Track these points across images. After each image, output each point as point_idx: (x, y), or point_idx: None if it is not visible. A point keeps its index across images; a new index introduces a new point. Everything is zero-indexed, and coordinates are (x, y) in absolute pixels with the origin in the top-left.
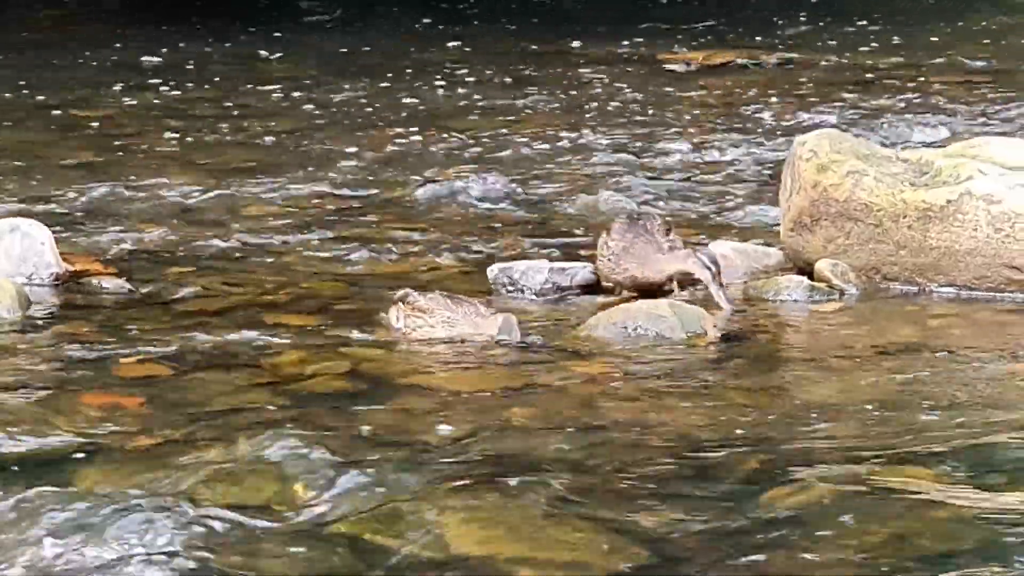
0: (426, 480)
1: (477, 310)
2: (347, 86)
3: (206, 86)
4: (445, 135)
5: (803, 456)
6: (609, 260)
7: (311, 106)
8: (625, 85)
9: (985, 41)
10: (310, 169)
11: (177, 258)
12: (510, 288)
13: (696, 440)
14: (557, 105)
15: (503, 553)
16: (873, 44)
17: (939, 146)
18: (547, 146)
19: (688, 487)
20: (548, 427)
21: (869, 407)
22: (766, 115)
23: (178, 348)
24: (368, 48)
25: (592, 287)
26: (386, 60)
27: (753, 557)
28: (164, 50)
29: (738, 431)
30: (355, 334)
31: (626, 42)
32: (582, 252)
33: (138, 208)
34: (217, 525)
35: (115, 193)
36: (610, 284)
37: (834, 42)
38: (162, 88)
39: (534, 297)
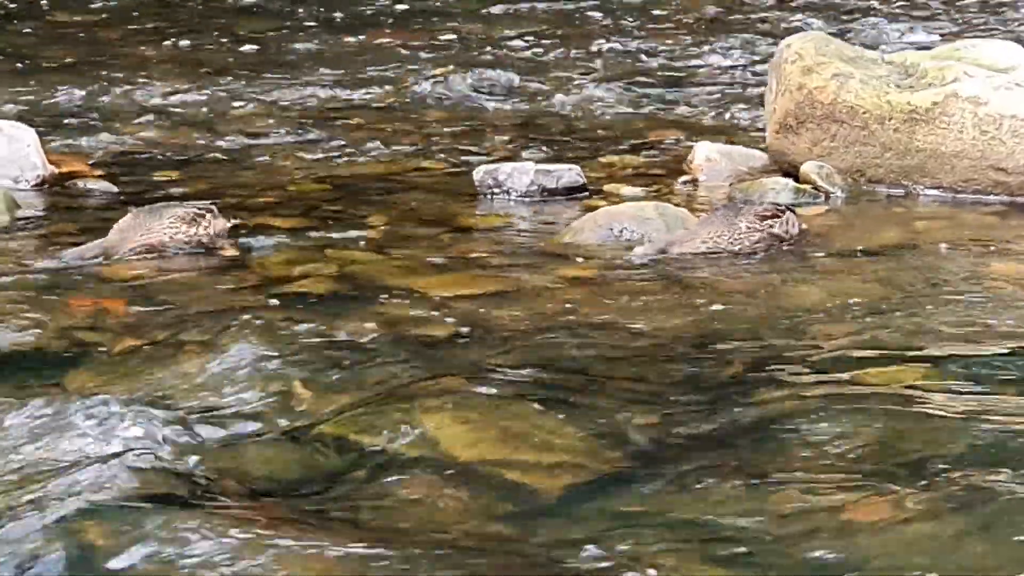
0: (413, 382)
1: None
2: None
3: None
4: (432, 36)
5: (790, 358)
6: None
7: (296, 7)
8: None
9: None
10: (296, 70)
11: (163, 160)
12: (496, 190)
13: (683, 342)
14: (544, 8)
15: (490, 454)
16: None
17: (925, 48)
18: (536, 48)
19: (674, 389)
20: (534, 330)
21: (856, 308)
22: (752, 18)
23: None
24: None
25: (578, 189)
26: None
27: (739, 459)
28: None
29: (725, 333)
30: (342, 236)
31: None
32: (569, 154)
33: (124, 111)
34: (202, 427)
35: (101, 96)
36: None
37: None
38: None
39: (520, 199)
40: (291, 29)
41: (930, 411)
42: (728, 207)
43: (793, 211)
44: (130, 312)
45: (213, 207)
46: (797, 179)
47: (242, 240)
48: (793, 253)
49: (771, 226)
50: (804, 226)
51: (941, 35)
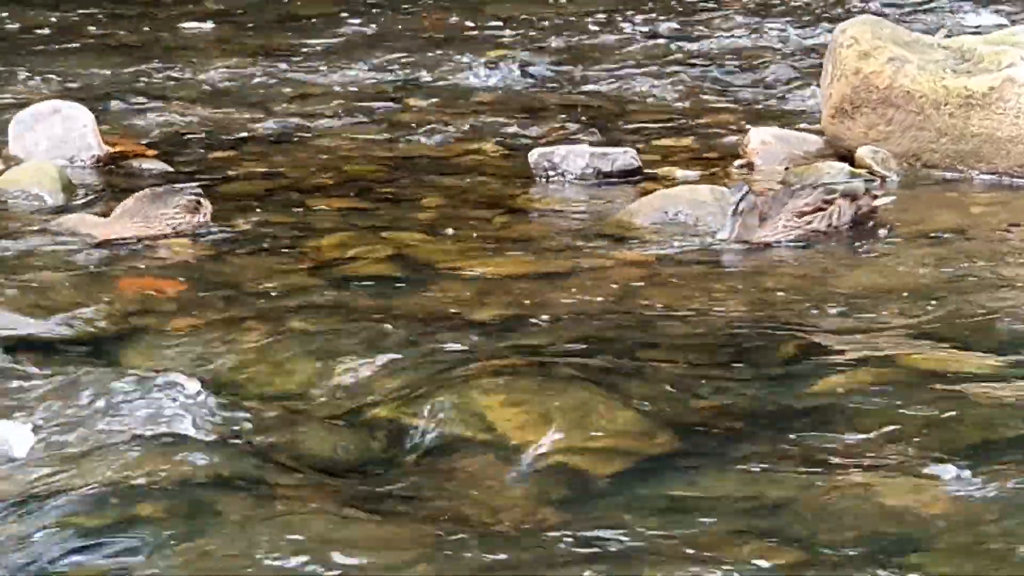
0: (466, 363)
1: None
2: None
3: None
4: (486, 19)
5: (843, 341)
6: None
7: None
8: None
9: None
10: (352, 52)
11: (219, 140)
12: (551, 173)
13: (736, 325)
14: None
15: (543, 437)
16: None
17: (980, 33)
18: (590, 30)
19: (727, 372)
20: (588, 311)
21: (909, 292)
22: (808, 1)
23: (219, 230)
24: None
25: (633, 172)
26: None
27: (791, 441)
28: None
29: (778, 316)
30: (397, 218)
31: None
32: (623, 137)
33: (180, 90)
34: (255, 407)
35: (157, 75)
36: None
37: None
38: None
39: (575, 182)
40: (347, 10)
41: (984, 395)
42: (777, 198)
43: (853, 195)
44: (183, 292)
45: (201, 191)
46: (852, 163)
47: None
48: (848, 237)
49: (809, 222)
50: (873, 204)
51: (996, 20)
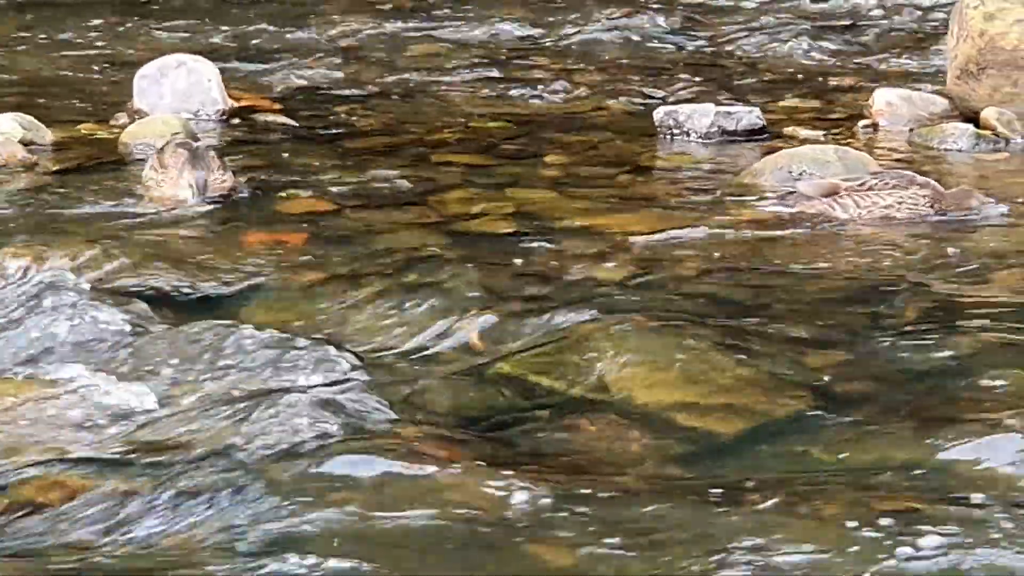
0: (589, 322)
1: None
2: None
3: None
4: None
5: (966, 305)
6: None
7: None
8: None
9: None
10: (478, 9)
11: (343, 96)
12: (675, 131)
13: (859, 287)
14: None
15: (667, 396)
16: None
17: None
18: None
19: (850, 333)
20: (713, 270)
21: None
22: None
23: (343, 185)
24: None
25: (758, 131)
26: None
27: (916, 402)
28: None
29: (901, 279)
30: (521, 175)
31: None
32: (749, 97)
33: (304, 46)
34: (380, 363)
35: (281, 30)
36: None
37: None
38: None
39: (699, 140)
40: None
41: None
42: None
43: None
44: (307, 247)
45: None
46: (978, 125)
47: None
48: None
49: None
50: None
51: None
